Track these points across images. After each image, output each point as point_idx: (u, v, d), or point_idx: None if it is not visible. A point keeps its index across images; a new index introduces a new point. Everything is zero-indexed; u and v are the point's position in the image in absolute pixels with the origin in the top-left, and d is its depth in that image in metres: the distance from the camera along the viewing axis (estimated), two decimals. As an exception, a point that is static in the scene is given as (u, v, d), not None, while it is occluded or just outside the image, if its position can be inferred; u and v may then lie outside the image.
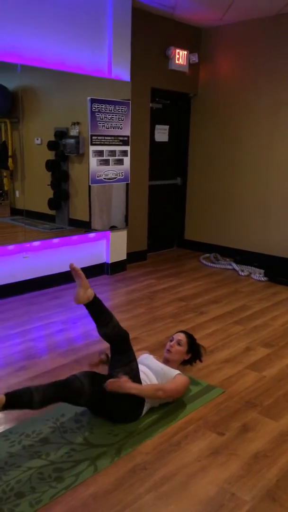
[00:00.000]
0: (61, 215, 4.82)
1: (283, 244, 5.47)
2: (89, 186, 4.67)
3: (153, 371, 2.56)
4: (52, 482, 1.98)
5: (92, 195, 4.72)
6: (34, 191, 4.42)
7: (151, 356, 2.73)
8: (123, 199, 5.05)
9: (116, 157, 4.84)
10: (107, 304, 4.19)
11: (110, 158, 4.78)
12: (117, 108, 4.71)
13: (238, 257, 5.69)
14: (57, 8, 4.16)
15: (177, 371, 2.59)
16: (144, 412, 2.45)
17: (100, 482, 2.00)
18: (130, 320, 3.84)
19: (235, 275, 5.26)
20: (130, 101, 4.84)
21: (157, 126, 5.84)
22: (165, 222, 6.36)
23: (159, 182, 6.04)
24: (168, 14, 5.23)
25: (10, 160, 4.34)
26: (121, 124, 4.79)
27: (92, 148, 4.57)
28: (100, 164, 4.69)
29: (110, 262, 5.12)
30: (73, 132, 4.59)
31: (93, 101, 4.48)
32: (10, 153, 4.33)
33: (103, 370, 2.58)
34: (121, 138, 4.83)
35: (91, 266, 4.98)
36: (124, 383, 2.28)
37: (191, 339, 2.77)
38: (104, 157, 4.71)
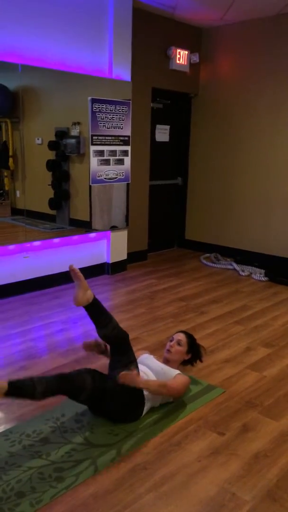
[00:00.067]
0: (62, 215, 4.82)
1: (283, 244, 5.46)
2: (90, 186, 4.67)
3: (153, 371, 2.56)
4: (53, 482, 1.98)
5: (92, 195, 4.72)
6: (35, 191, 4.42)
7: (151, 356, 2.74)
8: (123, 199, 5.05)
9: (117, 157, 4.84)
10: (108, 304, 4.21)
11: (111, 158, 4.78)
12: (118, 108, 4.71)
13: (238, 257, 5.69)
14: (58, 8, 4.16)
15: (177, 371, 2.60)
16: (144, 412, 2.45)
17: (101, 482, 2.00)
18: (130, 320, 3.84)
19: (236, 275, 5.26)
20: (130, 101, 4.84)
21: (158, 126, 5.84)
22: (166, 222, 6.36)
23: (159, 182, 6.04)
24: (168, 14, 5.23)
25: (10, 160, 4.34)
26: (121, 124, 4.79)
27: (92, 148, 4.57)
28: (101, 164, 4.69)
29: (110, 262, 5.12)
30: (74, 132, 4.59)
31: (93, 101, 4.48)
32: (10, 153, 4.33)
33: (99, 361, 2.58)
34: (121, 138, 4.84)
35: (92, 266, 4.98)
36: (135, 377, 2.28)
37: (191, 339, 2.77)
38: (105, 157, 4.71)
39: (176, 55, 5.49)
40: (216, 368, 3.06)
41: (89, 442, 2.25)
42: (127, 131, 4.87)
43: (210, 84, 5.90)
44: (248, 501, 1.92)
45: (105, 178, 4.77)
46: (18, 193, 4.39)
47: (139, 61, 5.08)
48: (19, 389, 2.14)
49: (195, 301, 4.33)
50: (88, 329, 3.57)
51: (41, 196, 4.70)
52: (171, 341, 2.76)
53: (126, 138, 4.89)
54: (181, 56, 5.57)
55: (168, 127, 6.00)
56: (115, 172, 4.86)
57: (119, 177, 4.91)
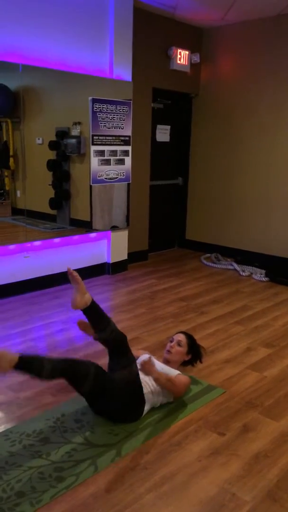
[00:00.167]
0: (62, 215, 4.82)
1: (284, 244, 5.46)
2: (90, 186, 4.67)
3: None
4: (53, 482, 1.98)
5: (93, 195, 4.72)
6: (35, 190, 4.42)
7: (151, 357, 2.73)
8: (124, 199, 5.05)
9: (117, 157, 4.84)
10: (108, 304, 4.21)
11: (111, 158, 4.78)
12: (119, 108, 4.71)
13: (239, 257, 5.69)
14: (59, 8, 4.16)
15: (178, 371, 2.60)
16: (144, 412, 2.44)
17: (101, 482, 2.00)
18: (131, 320, 3.84)
19: (236, 275, 5.26)
20: (131, 101, 4.84)
21: (159, 126, 5.84)
22: (166, 222, 6.36)
23: (160, 182, 6.04)
24: (169, 14, 5.23)
25: (11, 159, 4.34)
26: (122, 124, 4.79)
27: (93, 148, 4.57)
28: (101, 164, 4.69)
29: (111, 262, 5.12)
30: (75, 132, 4.59)
31: (94, 101, 4.48)
32: (11, 153, 4.33)
33: (99, 361, 2.57)
34: (122, 138, 4.83)
35: (92, 266, 4.98)
36: (152, 366, 2.35)
37: (191, 340, 2.77)
38: (105, 157, 4.71)
39: (176, 55, 5.49)
40: (217, 368, 3.05)
41: (89, 442, 2.25)
42: (127, 131, 4.87)
43: (210, 84, 5.90)
44: (248, 502, 1.92)
45: (106, 178, 4.77)
46: (18, 193, 4.39)
47: (140, 61, 5.08)
48: (28, 364, 2.18)
49: (196, 301, 4.33)
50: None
51: (41, 196, 4.70)
52: (171, 341, 2.76)
53: (127, 138, 4.89)
54: (182, 56, 5.57)
55: (168, 127, 6.00)
56: (116, 172, 4.86)
57: (119, 177, 4.91)
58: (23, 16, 3.93)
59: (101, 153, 4.66)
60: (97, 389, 2.32)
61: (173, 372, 2.57)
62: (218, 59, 5.77)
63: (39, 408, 2.53)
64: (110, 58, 4.65)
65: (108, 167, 4.77)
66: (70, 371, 2.27)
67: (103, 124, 4.61)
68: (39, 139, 4.50)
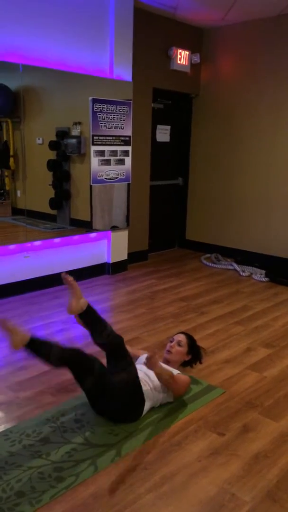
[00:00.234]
0: (62, 215, 4.82)
1: (284, 244, 5.46)
2: (91, 186, 4.67)
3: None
4: (52, 482, 1.98)
5: (93, 195, 4.72)
6: (36, 190, 4.42)
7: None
8: (124, 199, 5.05)
9: (118, 157, 4.84)
10: (108, 304, 4.21)
11: (112, 158, 4.78)
12: (119, 108, 4.71)
13: (239, 257, 5.69)
14: (59, 8, 4.16)
15: (178, 371, 2.60)
16: (144, 412, 2.45)
17: (100, 482, 2.00)
18: (131, 320, 3.84)
19: (236, 275, 5.26)
20: (131, 101, 4.84)
21: (159, 126, 5.84)
22: (166, 222, 6.36)
23: (160, 182, 6.04)
24: (169, 14, 5.23)
25: (11, 159, 4.34)
26: (122, 124, 4.79)
27: (93, 148, 4.57)
28: (102, 164, 4.69)
29: (111, 262, 5.12)
30: (75, 132, 4.59)
31: (94, 101, 4.48)
32: (11, 153, 4.33)
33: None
34: (122, 138, 4.84)
35: (92, 266, 4.98)
36: (157, 361, 2.34)
37: (191, 341, 2.78)
38: (106, 157, 4.71)
39: (177, 56, 5.49)
40: (217, 368, 3.05)
41: (89, 442, 2.25)
42: (128, 131, 4.87)
43: (211, 85, 5.90)
44: (248, 502, 1.92)
45: (106, 178, 4.77)
46: (18, 193, 4.40)
47: (140, 61, 5.08)
48: (38, 345, 2.22)
49: (196, 302, 4.33)
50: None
51: (41, 196, 4.70)
52: (171, 341, 2.76)
53: (127, 138, 4.89)
54: (182, 57, 5.58)
55: (169, 127, 6.00)
56: (116, 172, 4.86)
57: (119, 177, 4.91)
58: (23, 16, 3.93)
59: (101, 153, 4.66)
60: (98, 387, 2.33)
61: (174, 371, 2.57)
62: (219, 59, 5.77)
63: (39, 408, 2.53)
64: (110, 58, 4.65)
65: (108, 167, 4.77)
66: (75, 362, 2.29)
67: (103, 124, 4.61)
68: (39, 139, 4.50)
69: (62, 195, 4.74)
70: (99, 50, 4.57)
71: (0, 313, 3.89)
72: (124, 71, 4.75)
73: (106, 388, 2.34)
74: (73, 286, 2.46)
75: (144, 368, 2.57)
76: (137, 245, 5.59)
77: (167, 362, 2.70)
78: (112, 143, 4.74)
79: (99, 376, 2.30)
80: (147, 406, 2.45)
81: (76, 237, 4.78)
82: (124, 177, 4.95)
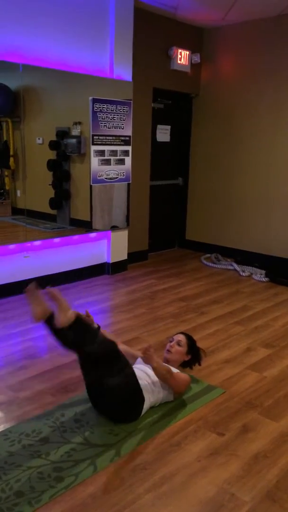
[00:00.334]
0: (62, 214, 4.82)
1: (284, 244, 5.46)
2: (91, 186, 4.67)
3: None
4: (52, 482, 1.98)
5: (93, 195, 4.71)
6: (35, 190, 4.42)
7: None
8: (124, 199, 5.05)
9: (118, 157, 4.84)
10: (108, 304, 4.21)
11: (112, 158, 4.78)
12: (119, 108, 4.71)
13: (239, 257, 5.69)
14: (59, 8, 4.16)
15: (177, 370, 2.60)
16: (144, 411, 2.44)
17: (100, 482, 2.00)
18: (130, 320, 3.84)
19: (236, 275, 5.26)
20: (131, 101, 4.84)
21: (159, 126, 5.84)
22: (166, 222, 6.36)
23: (160, 182, 6.03)
24: (170, 14, 5.23)
25: (11, 159, 4.34)
26: (122, 124, 4.79)
27: (93, 148, 4.57)
28: (102, 164, 4.69)
29: (111, 262, 5.11)
30: (75, 131, 4.59)
31: (95, 101, 4.48)
32: (11, 153, 4.33)
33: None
34: (122, 138, 4.83)
35: (92, 266, 4.98)
36: (153, 355, 2.35)
37: (191, 341, 2.78)
38: (106, 157, 4.71)
39: (177, 55, 5.49)
40: (216, 368, 3.05)
41: (89, 442, 2.25)
42: (128, 131, 4.87)
43: (211, 84, 5.90)
44: (248, 502, 1.91)
45: (106, 178, 4.77)
46: (18, 192, 4.39)
47: (140, 61, 5.08)
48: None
49: (196, 302, 4.33)
50: (88, 329, 3.56)
51: (41, 196, 4.70)
52: (171, 341, 2.77)
53: (127, 138, 4.89)
54: (183, 56, 5.57)
55: (169, 127, 6.00)
56: (116, 172, 4.86)
57: (119, 177, 4.91)
58: (23, 16, 3.93)
59: (101, 153, 4.66)
60: (97, 383, 2.35)
61: (173, 370, 2.57)
62: (219, 59, 5.77)
63: (39, 408, 2.53)
64: (110, 58, 4.65)
65: (108, 167, 4.77)
66: (79, 331, 2.32)
67: (103, 124, 4.60)
68: (39, 139, 4.50)
69: (62, 195, 4.74)
70: (99, 50, 4.57)
71: (0, 313, 3.89)
72: (124, 71, 4.75)
73: (106, 390, 2.32)
74: (58, 299, 2.36)
75: (143, 366, 2.57)
76: (137, 245, 5.59)
77: (166, 361, 2.70)
78: (112, 143, 4.74)
79: (102, 352, 2.33)
80: (147, 402, 2.44)
81: (76, 237, 4.78)
82: (124, 177, 4.95)
